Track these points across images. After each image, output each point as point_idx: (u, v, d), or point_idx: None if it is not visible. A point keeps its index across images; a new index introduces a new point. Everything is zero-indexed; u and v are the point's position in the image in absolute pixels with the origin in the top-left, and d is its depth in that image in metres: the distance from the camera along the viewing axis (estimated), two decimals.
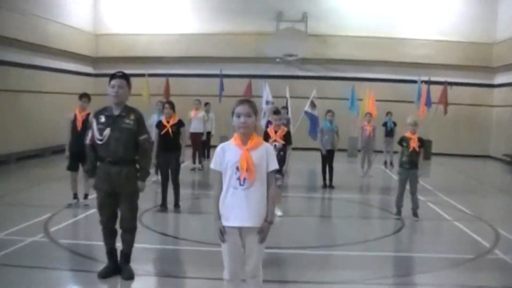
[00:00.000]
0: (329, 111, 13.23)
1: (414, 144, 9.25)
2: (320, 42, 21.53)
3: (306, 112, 18.04)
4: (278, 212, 9.34)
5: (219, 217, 4.32)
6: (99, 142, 5.68)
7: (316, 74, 21.90)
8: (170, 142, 9.58)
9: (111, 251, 5.96)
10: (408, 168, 9.29)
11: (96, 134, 5.70)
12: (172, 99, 19.17)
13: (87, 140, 5.79)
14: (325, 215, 10.32)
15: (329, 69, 21.96)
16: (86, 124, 8.57)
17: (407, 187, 9.34)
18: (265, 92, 19.87)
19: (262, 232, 4.27)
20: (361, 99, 19.33)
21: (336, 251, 7.40)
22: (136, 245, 5.99)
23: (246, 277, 4.38)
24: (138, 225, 6.11)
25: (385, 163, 17.00)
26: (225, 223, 4.31)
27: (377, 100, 19.17)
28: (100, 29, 23.12)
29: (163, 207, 9.65)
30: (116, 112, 5.71)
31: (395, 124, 17.14)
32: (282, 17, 21.92)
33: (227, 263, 4.39)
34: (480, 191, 13.82)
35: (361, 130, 15.23)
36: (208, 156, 17.00)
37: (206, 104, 16.97)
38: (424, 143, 9.45)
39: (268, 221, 4.29)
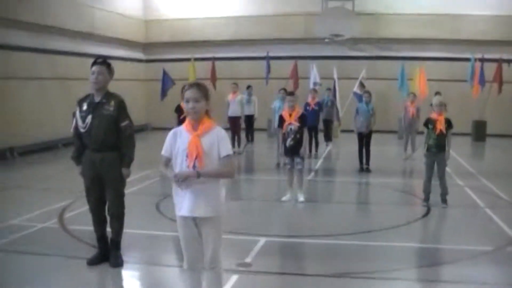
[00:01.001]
0: (365, 91, 12.74)
1: (441, 126, 8.68)
2: (370, 21, 20.78)
3: (355, 93, 17.57)
4: (301, 198, 9.14)
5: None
6: (82, 130, 5.67)
7: (366, 54, 21.21)
8: None
9: (100, 238, 5.95)
10: (435, 152, 8.74)
11: (79, 122, 5.68)
12: (219, 82, 19.40)
13: (72, 128, 5.79)
14: (348, 201, 9.88)
15: (379, 49, 21.18)
16: None
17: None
18: (313, 74, 19.58)
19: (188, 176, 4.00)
20: (411, 79, 18.53)
21: (349, 241, 7.02)
22: (141, 231, 5.94)
23: (205, 267, 4.22)
24: (154, 211, 6.02)
25: None
26: (178, 212, 4.17)
27: (429, 80, 18.34)
28: (149, 15, 23.35)
29: None
30: (97, 99, 5.67)
31: (445, 104, 16.26)
32: None
33: (185, 252, 4.27)
34: None
35: (404, 110, 14.56)
36: (253, 140, 16.88)
37: (248, 87, 16.81)
38: (451, 125, 8.84)
39: (199, 172, 4.00)
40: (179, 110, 9.64)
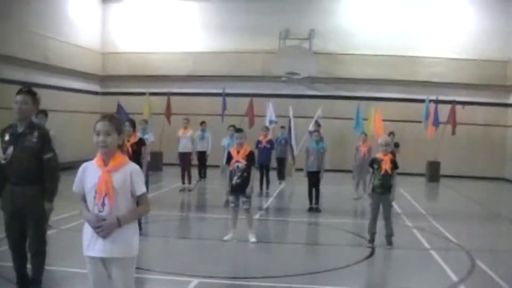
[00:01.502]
0: (315, 130, 12.74)
1: (386, 166, 8.58)
2: (327, 60, 21.02)
3: (310, 132, 17.54)
4: (252, 238, 8.86)
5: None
6: (3, 161, 5.35)
7: (323, 93, 21.37)
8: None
9: (20, 277, 5.57)
10: (380, 192, 8.62)
11: (0, 153, 5.35)
12: (175, 117, 19.17)
13: None
14: (291, 241, 9.66)
15: (336, 88, 21.37)
16: None
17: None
18: (269, 111, 19.54)
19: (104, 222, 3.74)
20: (366, 119, 18.66)
21: (282, 283, 6.75)
22: (66, 269, 5.57)
23: None
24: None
25: None
26: (86, 252, 3.86)
27: (384, 120, 18.51)
28: (106, 48, 23.13)
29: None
30: (20, 129, 5.38)
31: (397, 145, 16.37)
32: (289, 35, 21.48)
33: None
34: (479, 217, 12.85)
35: (355, 150, 14.57)
36: (205, 176, 16.61)
37: (202, 123, 16.59)
38: (397, 165, 8.78)
39: (118, 218, 3.74)
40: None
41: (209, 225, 11.10)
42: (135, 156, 9.20)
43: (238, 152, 8.87)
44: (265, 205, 13.02)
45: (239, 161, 8.81)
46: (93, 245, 3.82)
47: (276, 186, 16.07)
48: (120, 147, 3.94)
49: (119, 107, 18.38)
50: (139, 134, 12.30)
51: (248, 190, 8.81)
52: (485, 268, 7.46)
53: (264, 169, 14.38)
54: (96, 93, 22.85)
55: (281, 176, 17.00)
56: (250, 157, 8.85)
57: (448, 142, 19.17)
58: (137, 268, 7.01)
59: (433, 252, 8.50)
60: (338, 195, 15.03)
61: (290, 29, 21.46)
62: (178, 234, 9.80)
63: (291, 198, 14.87)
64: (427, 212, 12.31)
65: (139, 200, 3.87)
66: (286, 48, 21.11)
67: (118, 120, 3.94)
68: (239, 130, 9.14)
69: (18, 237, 5.44)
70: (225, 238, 8.92)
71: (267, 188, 14.58)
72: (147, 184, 9.18)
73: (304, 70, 20.46)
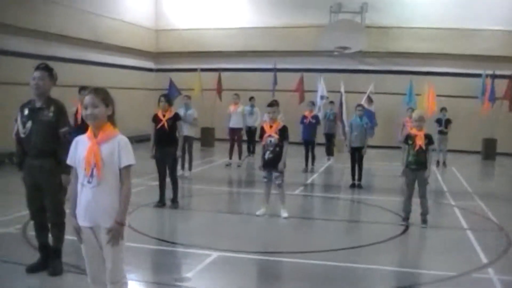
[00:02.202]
0: (358, 105, 12.44)
1: (420, 142, 8.32)
2: (379, 34, 20.45)
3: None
4: (284, 214, 8.86)
5: (74, 215, 3.96)
6: (23, 135, 5.56)
7: (374, 68, 20.85)
8: (166, 136, 9.35)
9: (41, 246, 5.81)
10: (415, 169, 8.40)
11: (20, 127, 5.57)
12: (225, 93, 19.28)
13: (14, 134, 5.67)
14: (326, 218, 9.58)
15: (389, 63, 20.78)
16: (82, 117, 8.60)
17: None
18: (320, 87, 19.35)
19: (111, 232, 3.85)
20: (419, 94, 18.12)
21: (309, 260, 6.66)
22: None
23: (107, 281, 3.98)
24: None
25: (438, 162, 15.80)
26: (79, 222, 3.96)
27: (438, 95, 17.95)
28: (160, 25, 23.42)
29: (160, 202, 9.43)
30: (37, 104, 5.56)
31: (449, 121, 15.87)
32: (341, 9, 21.00)
33: (87, 264, 4.06)
34: None
35: (402, 126, 14.20)
36: (254, 151, 16.64)
37: (251, 98, 16.63)
38: (432, 141, 8.48)
39: (118, 222, 3.84)
40: (156, 119, 9.48)
41: (246, 200, 11.18)
42: (171, 131, 9.37)
43: (270, 127, 8.84)
44: (307, 181, 12.95)
45: (272, 136, 8.77)
46: (83, 215, 3.91)
47: (323, 162, 15.94)
48: (110, 118, 3.96)
49: (171, 83, 18.62)
50: (182, 110, 12.55)
51: (280, 165, 8.77)
52: None
53: (309, 144, 14.28)
54: (150, 70, 23.28)
55: (329, 152, 16.85)
56: (283, 131, 8.79)
57: (505, 119, 18.34)
58: (162, 240, 7.29)
59: (469, 232, 8.22)
60: (385, 172, 14.74)
61: (342, 2, 20.98)
62: (212, 208, 9.86)
63: (336, 175, 14.68)
64: (475, 191, 11.87)
65: (121, 173, 3.89)
66: (337, 22, 20.71)
67: (106, 92, 3.97)
68: (271, 105, 9.04)
69: (38, 208, 5.66)
70: (257, 213, 8.95)
71: (312, 164, 14.47)
72: (176, 160, 9.37)
73: (356, 44, 20.02)
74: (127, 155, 3.89)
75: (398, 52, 20.36)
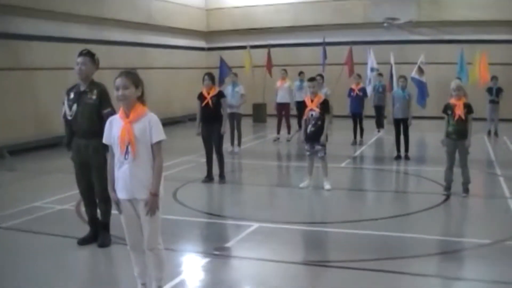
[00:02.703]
0: (401, 76, 12.41)
1: (459, 111, 8.31)
2: (429, 4, 19.99)
3: (413, 79, 17.03)
4: (327, 186, 9.09)
5: (113, 189, 4.35)
6: (69, 118, 6.02)
7: (425, 37, 20.42)
8: (211, 113, 9.66)
9: (91, 220, 6.31)
10: (455, 139, 8.42)
11: (67, 110, 6.03)
12: (275, 69, 19.47)
13: (61, 116, 6.14)
14: (375, 189, 9.72)
15: (439, 32, 20.28)
16: None
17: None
18: (370, 59, 19.19)
19: (147, 204, 4.22)
20: (470, 63, 17.71)
21: (341, 229, 6.90)
22: None
23: (144, 248, 4.38)
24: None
25: (489, 132, 15.53)
26: (118, 195, 4.35)
27: (492, 64, 17.47)
28: (210, 4, 23.78)
29: (208, 178, 9.83)
30: (82, 88, 5.99)
31: (501, 89, 15.52)
32: None
33: (126, 233, 4.47)
34: None
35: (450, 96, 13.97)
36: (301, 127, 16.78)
37: (300, 73, 16.73)
38: (472, 110, 8.45)
39: (153, 194, 4.20)
40: (201, 97, 9.83)
41: (292, 173, 11.45)
42: (215, 108, 9.70)
43: (312, 101, 9.04)
44: (355, 154, 13.07)
45: (313, 109, 8.97)
46: (120, 188, 4.30)
47: (373, 135, 15.97)
48: (140, 98, 4.29)
49: (222, 61, 18.94)
50: (230, 87, 12.89)
51: (322, 138, 8.98)
52: None
53: (357, 117, 14.35)
54: (202, 49, 23.73)
55: (379, 124, 16.83)
56: (324, 105, 8.98)
57: None
58: (205, 213, 7.68)
59: (510, 201, 8.19)
60: (436, 142, 14.58)
61: None
62: (258, 182, 10.21)
63: (384, 147, 14.67)
64: None
65: (153, 149, 4.23)
66: None
67: (135, 75, 4.30)
68: (311, 79, 9.25)
69: (86, 185, 6.16)
70: (301, 185, 9.23)
71: (361, 136, 14.54)
72: (222, 136, 9.68)
73: (405, 14, 19.70)
74: (158, 132, 4.23)
75: (449, 21, 19.84)
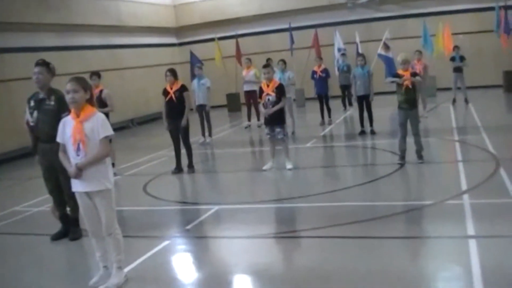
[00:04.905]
0: (359, 55, 12.93)
1: (407, 82, 8.87)
2: None
3: (379, 55, 17.50)
4: (288, 165, 9.57)
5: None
6: (32, 124, 6.45)
7: (390, 14, 20.91)
8: (175, 108, 10.04)
9: (61, 217, 6.78)
10: (406, 108, 8.94)
11: (29, 117, 6.47)
12: (244, 58, 19.80)
13: (25, 123, 6.58)
14: (335, 165, 10.36)
15: (403, 7, 20.80)
16: (99, 100, 9.57)
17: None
18: (336, 40, 19.70)
19: (76, 169, 4.70)
20: (434, 35, 18.24)
21: (299, 203, 7.44)
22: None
23: (103, 234, 4.89)
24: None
25: (454, 101, 16.10)
26: (73, 189, 4.86)
27: (457, 33, 18.07)
28: (178, 0, 24.11)
29: (177, 169, 10.28)
30: (41, 95, 6.43)
31: (463, 57, 16.07)
32: None
33: (86, 222, 4.99)
34: None
35: (410, 69, 14.50)
36: None
37: (268, 60, 17.09)
38: (417, 74, 9.04)
39: (78, 167, 4.68)
40: (165, 93, 10.25)
41: (258, 158, 11.92)
42: (179, 102, 10.12)
43: (268, 86, 9.53)
44: (321, 133, 13.56)
45: (270, 94, 9.46)
46: (77, 183, 4.81)
47: (340, 114, 16.47)
48: (89, 101, 4.79)
49: (192, 55, 19.31)
50: (195, 80, 13.35)
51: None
52: (505, 178, 7.44)
53: (323, 98, 14.82)
54: (173, 45, 24.09)
55: (345, 103, 17.40)
56: (279, 89, 9.48)
57: None
58: (174, 201, 8.15)
59: (460, 164, 8.70)
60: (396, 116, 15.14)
61: None
62: (224, 169, 10.74)
63: (351, 124, 15.13)
64: (483, 125, 12.07)
65: (100, 143, 4.72)
66: None
67: (84, 80, 4.82)
68: (266, 66, 9.76)
69: (53, 185, 6.61)
70: (264, 167, 9.73)
71: (329, 116, 14.99)
72: (187, 129, 10.11)
73: None
74: (105, 128, 4.73)
75: None
